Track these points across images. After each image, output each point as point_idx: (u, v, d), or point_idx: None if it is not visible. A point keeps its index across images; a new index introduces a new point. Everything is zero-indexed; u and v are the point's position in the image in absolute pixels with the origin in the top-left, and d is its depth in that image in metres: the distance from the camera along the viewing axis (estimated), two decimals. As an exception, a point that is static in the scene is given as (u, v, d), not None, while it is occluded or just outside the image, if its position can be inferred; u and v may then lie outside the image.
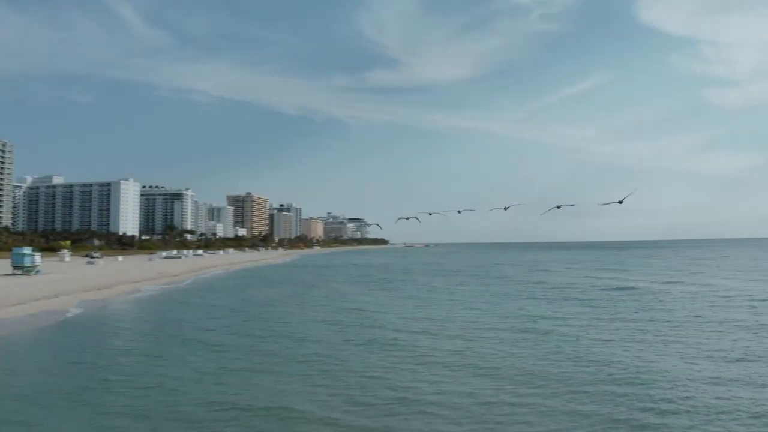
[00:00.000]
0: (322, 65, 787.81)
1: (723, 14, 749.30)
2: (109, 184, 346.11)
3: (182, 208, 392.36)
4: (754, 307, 58.42)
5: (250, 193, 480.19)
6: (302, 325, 50.51)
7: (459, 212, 39.05)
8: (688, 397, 26.51)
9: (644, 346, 39.03)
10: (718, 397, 26.59)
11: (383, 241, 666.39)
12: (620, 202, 34.91)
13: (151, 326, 52.08)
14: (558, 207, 37.00)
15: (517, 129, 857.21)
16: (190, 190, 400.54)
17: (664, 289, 79.38)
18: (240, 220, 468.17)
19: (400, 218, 41.32)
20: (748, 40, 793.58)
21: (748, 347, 37.99)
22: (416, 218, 41.76)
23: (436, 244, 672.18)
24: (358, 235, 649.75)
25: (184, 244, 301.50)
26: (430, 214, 40.22)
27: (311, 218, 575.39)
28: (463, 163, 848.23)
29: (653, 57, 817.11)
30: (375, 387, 28.95)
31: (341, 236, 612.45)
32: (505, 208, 36.12)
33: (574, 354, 36.16)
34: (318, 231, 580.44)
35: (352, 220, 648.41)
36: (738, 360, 34.38)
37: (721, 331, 44.48)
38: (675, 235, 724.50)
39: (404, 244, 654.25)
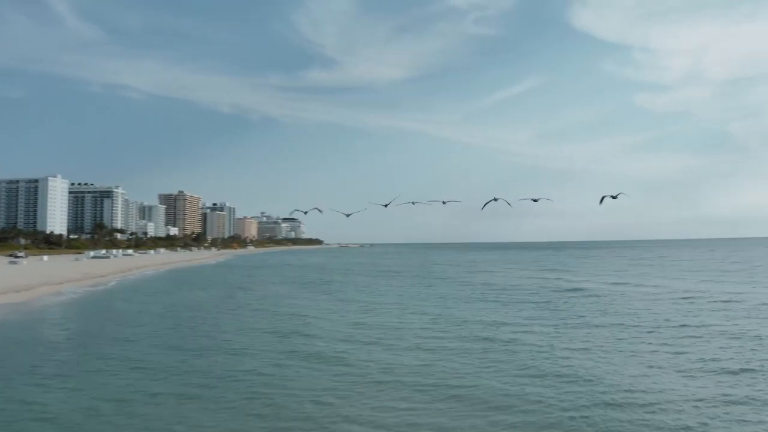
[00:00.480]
0: (257, 63, 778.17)
1: (655, 21, 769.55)
2: (36, 181, 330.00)
3: (112, 206, 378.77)
4: (725, 310, 55.21)
5: (182, 192, 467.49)
6: (238, 335, 44.42)
7: (444, 203, 35.16)
8: (706, 424, 22.07)
9: (628, 356, 34.60)
10: (742, 420, 22.43)
11: (318, 241, 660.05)
12: (614, 197, 32.33)
13: (66, 336, 45.36)
14: (495, 199, 34.02)
15: (452, 131, 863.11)
16: (120, 188, 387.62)
17: (618, 290, 76.13)
18: (172, 219, 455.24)
19: (375, 203, 36.69)
20: (679, 47, 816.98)
21: (741, 356, 34.16)
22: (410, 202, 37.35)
23: (371, 245, 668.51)
24: (293, 235, 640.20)
25: (114, 244, 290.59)
26: (413, 203, 35.91)
27: (245, 218, 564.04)
28: (399, 164, 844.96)
29: (586, 62, 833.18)
30: (329, 419, 23.41)
31: (275, 236, 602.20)
32: (495, 200, 32.64)
33: (554, 369, 31.23)
34: (252, 231, 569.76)
35: (286, 219, 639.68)
36: (739, 372, 30.33)
37: (701, 337, 40.73)
38: (605, 236, 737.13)
39: (339, 244, 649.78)
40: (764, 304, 58.48)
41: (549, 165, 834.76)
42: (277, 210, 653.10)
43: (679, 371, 30.67)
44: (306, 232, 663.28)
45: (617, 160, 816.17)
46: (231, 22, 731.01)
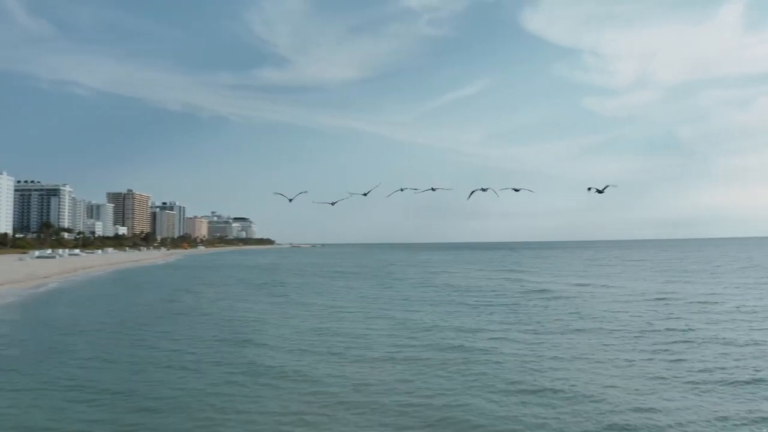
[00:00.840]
0: (208, 61, 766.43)
1: (604, 26, 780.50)
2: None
3: (59, 204, 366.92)
4: (705, 312, 52.30)
5: (131, 190, 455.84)
6: (186, 345, 39.00)
7: (433, 190, 32.45)
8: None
9: (624, 366, 30.88)
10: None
11: (269, 241, 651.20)
12: (600, 191, 28.94)
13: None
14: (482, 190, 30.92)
15: (404, 131, 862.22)
16: (68, 186, 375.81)
17: (586, 292, 73.22)
18: (120, 218, 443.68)
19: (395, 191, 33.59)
20: (628, 51, 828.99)
21: (746, 364, 31.16)
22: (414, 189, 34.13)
23: (323, 245, 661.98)
24: (244, 234, 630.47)
25: (61, 243, 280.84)
26: (402, 190, 32.89)
27: (195, 217, 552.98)
28: (351, 164, 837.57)
29: (537, 65, 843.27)
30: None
31: (226, 236, 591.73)
32: (483, 190, 29.94)
33: (547, 383, 27.07)
34: (202, 230, 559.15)
35: (237, 219, 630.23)
36: (754, 383, 27.17)
37: (692, 342, 37.70)
38: (554, 237, 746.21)
39: (290, 244, 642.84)
40: (743, 305, 55.91)
41: (500, 166, 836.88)
42: (228, 209, 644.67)
43: (687, 383, 27.04)
44: (257, 232, 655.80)
45: (567, 162, 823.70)
46: (183, 20, 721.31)
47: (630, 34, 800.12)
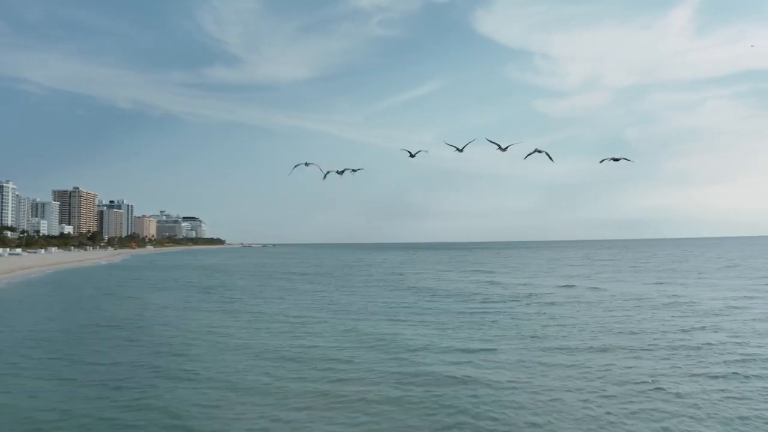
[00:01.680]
0: (160, 59, 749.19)
1: (556, 28, 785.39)
2: None
3: (2, 201, 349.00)
4: (740, 321, 44.95)
5: (77, 188, 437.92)
6: (117, 379, 28.89)
7: (460, 149, 31.18)
8: None
9: (725, 406, 22.22)
10: None
11: (219, 241, 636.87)
12: (616, 160, 30.36)
13: None
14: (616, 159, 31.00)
15: (355, 132, 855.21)
16: (11, 183, 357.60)
17: (582, 295, 66.10)
18: (66, 216, 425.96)
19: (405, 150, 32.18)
20: (579, 54, 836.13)
21: None
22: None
23: (274, 245, 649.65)
24: (193, 234, 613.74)
25: (4, 242, 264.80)
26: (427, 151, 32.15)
27: (144, 216, 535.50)
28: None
29: (489, 66, 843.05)
30: None
31: (175, 235, 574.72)
32: (503, 150, 29.85)
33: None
34: (151, 230, 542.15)
35: (186, 219, 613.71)
36: None
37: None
38: (504, 237, 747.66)
39: (241, 244, 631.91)
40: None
41: (452, 167, 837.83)
42: (178, 209, 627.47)
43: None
44: (207, 232, 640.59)
45: (517, 163, 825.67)
46: (134, 17, 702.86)
47: (581, 36, 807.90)
